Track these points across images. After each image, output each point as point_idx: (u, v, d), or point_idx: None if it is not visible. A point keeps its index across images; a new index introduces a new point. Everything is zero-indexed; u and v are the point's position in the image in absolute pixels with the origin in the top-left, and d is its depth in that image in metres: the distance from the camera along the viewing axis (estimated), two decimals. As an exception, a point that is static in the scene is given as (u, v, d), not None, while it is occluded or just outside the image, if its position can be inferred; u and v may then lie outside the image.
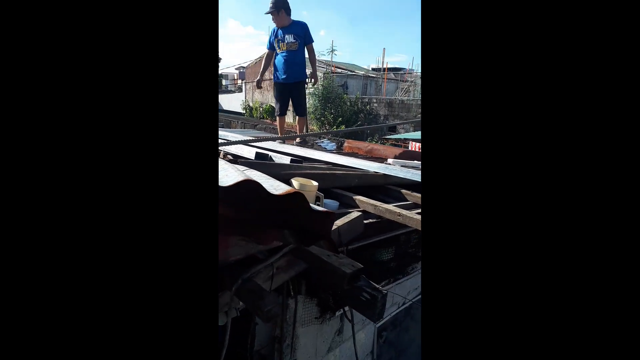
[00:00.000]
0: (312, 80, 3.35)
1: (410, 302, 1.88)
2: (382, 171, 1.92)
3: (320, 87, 12.25)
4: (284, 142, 3.10)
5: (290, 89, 3.42)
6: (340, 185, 1.65)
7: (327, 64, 15.07)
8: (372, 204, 1.43)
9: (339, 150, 3.68)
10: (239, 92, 16.10)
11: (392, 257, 1.74)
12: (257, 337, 1.31)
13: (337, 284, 0.82)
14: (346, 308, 1.33)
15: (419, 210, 1.41)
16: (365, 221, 1.38)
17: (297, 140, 3.47)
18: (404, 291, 1.81)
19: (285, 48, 3.26)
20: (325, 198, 1.53)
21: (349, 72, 15.29)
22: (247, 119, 6.40)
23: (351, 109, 12.10)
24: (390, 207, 1.38)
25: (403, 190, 1.81)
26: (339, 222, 1.18)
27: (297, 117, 3.67)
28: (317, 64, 3.28)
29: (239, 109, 13.73)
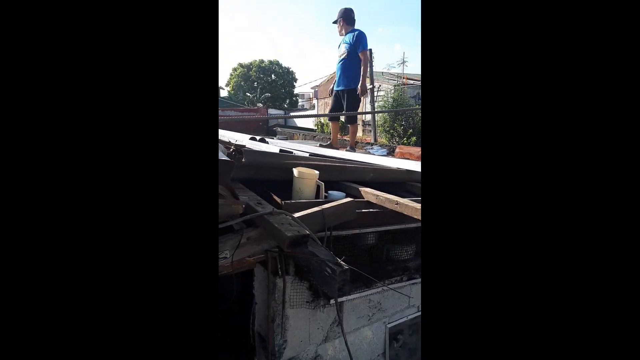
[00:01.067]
0: (359, 90, 3.31)
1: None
2: (406, 167, 1.85)
3: (390, 99, 12.12)
4: (329, 147, 3.19)
5: (341, 97, 3.51)
6: (353, 179, 1.65)
7: (399, 75, 14.86)
8: (374, 194, 1.40)
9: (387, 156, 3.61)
10: (312, 109, 16.97)
11: (411, 256, 1.65)
12: (257, 316, 1.40)
13: (280, 246, 0.85)
14: (339, 298, 1.32)
15: (413, 198, 1.33)
16: (364, 210, 1.36)
17: (348, 147, 3.53)
18: (425, 294, 1.67)
19: (339, 56, 3.39)
20: (335, 190, 1.56)
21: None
22: (309, 132, 6.73)
23: (424, 120, 11.61)
24: (390, 196, 1.34)
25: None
26: (325, 206, 1.21)
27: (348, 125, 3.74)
28: (370, 74, 3.28)
29: (311, 125, 14.43)
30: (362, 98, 3.28)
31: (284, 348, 1.28)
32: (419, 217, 1.19)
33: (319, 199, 1.41)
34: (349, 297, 1.38)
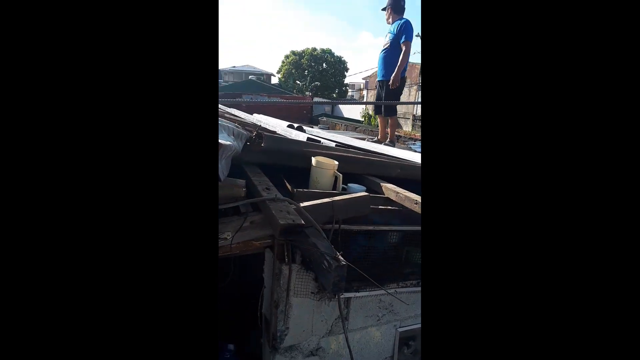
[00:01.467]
0: (392, 80, 3.08)
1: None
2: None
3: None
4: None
5: (380, 87, 3.38)
6: (377, 174, 1.58)
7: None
8: (394, 191, 1.32)
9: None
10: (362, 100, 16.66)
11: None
12: (264, 299, 1.41)
13: (274, 233, 0.83)
14: (342, 294, 1.28)
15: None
16: (381, 207, 1.29)
17: (387, 140, 3.39)
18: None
19: (383, 46, 3.25)
20: (356, 184, 1.50)
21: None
22: (354, 123, 6.58)
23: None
24: (411, 194, 1.25)
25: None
26: (336, 198, 1.16)
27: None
28: (403, 63, 3.04)
29: (358, 116, 14.22)
30: (403, 89, 3.11)
31: (286, 334, 1.28)
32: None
33: (336, 190, 1.37)
34: (357, 295, 1.33)
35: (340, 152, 1.58)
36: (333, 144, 1.83)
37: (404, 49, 2.95)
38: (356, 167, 1.54)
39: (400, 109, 14.90)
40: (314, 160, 1.37)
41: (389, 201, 1.33)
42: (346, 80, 23.08)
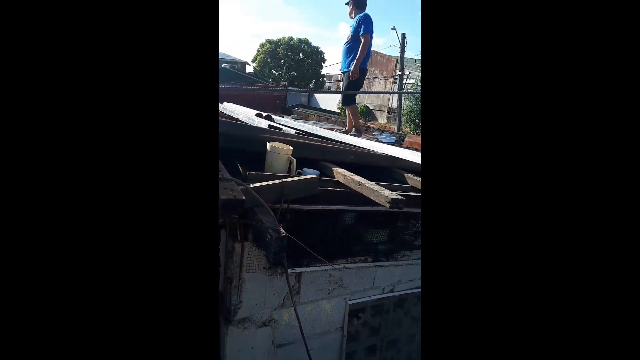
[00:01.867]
0: (351, 72, 3.18)
1: (402, 294, 1.76)
2: (396, 155, 1.84)
3: (419, 88, 11.76)
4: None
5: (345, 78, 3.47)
6: (332, 159, 1.68)
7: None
8: (343, 174, 1.43)
9: (393, 144, 3.56)
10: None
11: (382, 239, 1.68)
12: (220, 276, 1.49)
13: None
14: (291, 269, 1.38)
15: (382, 184, 1.34)
16: (329, 188, 1.39)
17: (352, 130, 3.49)
18: (392, 278, 1.71)
19: (346, 39, 3.35)
20: (309, 168, 1.59)
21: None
22: (329, 114, 6.67)
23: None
24: (355, 177, 1.36)
25: (406, 174, 1.71)
26: (286, 179, 1.25)
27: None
28: (362, 56, 3.06)
29: (334, 108, 14.28)
30: (363, 80, 3.20)
31: (239, 308, 1.37)
32: (384, 203, 1.21)
33: (290, 174, 1.45)
34: (308, 269, 1.44)
35: (297, 139, 1.66)
36: (293, 132, 1.91)
37: (362, 41, 3.02)
38: (312, 153, 1.62)
39: (376, 101, 15.10)
40: (268, 145, 1.45)
41: (338, 184, 1.44)
42: (323, 71, 23.02)
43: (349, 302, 1.61)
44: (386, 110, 14.48)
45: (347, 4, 3.26)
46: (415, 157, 1.78)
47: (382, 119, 14.40)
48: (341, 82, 3.66)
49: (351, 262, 1.53)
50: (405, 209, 1.56)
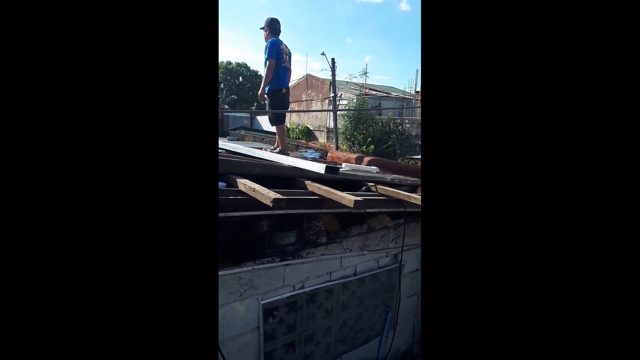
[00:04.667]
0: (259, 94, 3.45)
1: (313, 289, 1.95)
2: (298, 166, 2.07)
3: (349, 105, 12.66)
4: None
5: None
6: (239, 172, 1.85)
7: (362, 85, 15.46)
8: (244, 184, 1.61)
9: (317, 159, 3.85)
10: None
11: (289, 241, 1.87)
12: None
13: None
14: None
15: (275, 190, 1.55)
16: (231, 197, 1.56)
17: (278, 148, 3.68)
18: (301, 275, 1.89)
19: None
20: (220, 181, 1.74)
21: (384, 94, 15.48)
22: (266, 135, 6.90)
23: (383, 129, 12.21)
24: (253, 184, 1.55)
25: (306, 182, 1.94)
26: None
27: None
28: (267, 80, 3.27)
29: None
30: (280, 101, 3.37)
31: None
32: (268, 203, 1.40)
33: (196, 186, 1.59)
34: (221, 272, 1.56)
35: (205, 155, 1.81)
36: (205, 150, 2.05)
37: (267, 65, 3.20)
38: (220, 167, 1.78)
39: (315, 122, 15.77)
40: (173, 161, 1.58)
41: (240, 193, 1.61)
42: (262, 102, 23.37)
43: (262, 302, 1.76)
44: (325, 130, 15.19)
45: (262, 28, 3.49)
46: (317, 167, 2.03)
47: (322, 139, 15.05)
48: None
49: (259, 264, 1.69)
50: (306, 211, 1.78)
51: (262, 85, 3.32)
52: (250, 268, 1.66)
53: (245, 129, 12.67)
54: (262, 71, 3.31)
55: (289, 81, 3.50)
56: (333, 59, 12.46)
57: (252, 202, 1.59)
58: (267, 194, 1.37)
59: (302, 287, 1.91)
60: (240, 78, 22.40)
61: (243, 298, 1.69)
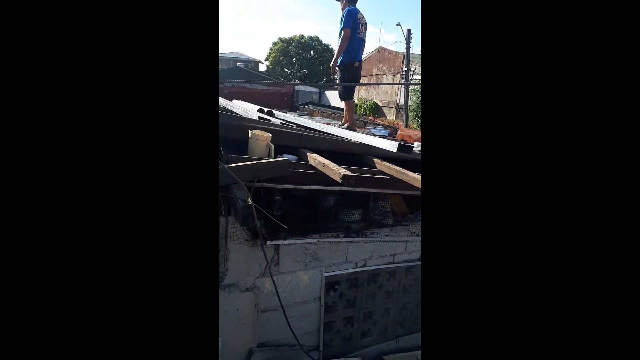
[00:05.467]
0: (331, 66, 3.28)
1: (375, 269, 1.93)
2: (368, 143, 2.02)
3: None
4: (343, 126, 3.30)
5: None
6: (309, 146, 1.87)
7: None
8: (314, 158, 1.62)
9: (385, 137, 3.70)
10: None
11: (358, 219, 1.86)
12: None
13: None
14: (269, 241, 1.58)
15: (344, 167, 1.52)
16: (301, 170, 1.59)
17: (345, 124, 3.60)
18: (364, 253, 1.88)
19: None
20: (289, 154, 1.79)
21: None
22: (334, 111, 6.83)
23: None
24: (322, 160, 1.55)
25: (375, 160, 1.88)
26: (260, 161, 1.45)
27: None
28: (340, 51, 3.09)
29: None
30: (352, 74, 3.21)
31: (226, 275, 1.58)
32: (337, 179, 1.39)
33: (269, 158, 1.66)
34: (285, 242, 1.64)
35: (278, 128, 1.86)
36: (279, 122, 2.11)
37: (342, 35, 3.05)
38: (290, 141, 1.82)
39: (384, 98, 15.14)
40: (250, 132, 1.65)
41: (311, 167, 1.63)
42: (332, 75, 23.11)
43: (325, 275, 1.80)
44: (394, 106, 14.51)
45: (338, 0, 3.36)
46: (388, 145, 1.94)
47: (390, 115, 14.43)
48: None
49: (324, 237, 1.72)
50: (373, 190, 1.74)
51: (334, 57, 3.21)
52: (315, 240, 1.70)
53: (313, 104, 12.79)
54: (337, 41, 3.19)
55: (362, 53, 3.34)
56: (409, 30, 11.62)
57: (321, 177, 1.60)
58: (336, 170, 1.36)
59: (365, 266, 1.91)
60: (312, 52, 22.42)
61: (307, 268, 1.76)
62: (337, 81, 3.49)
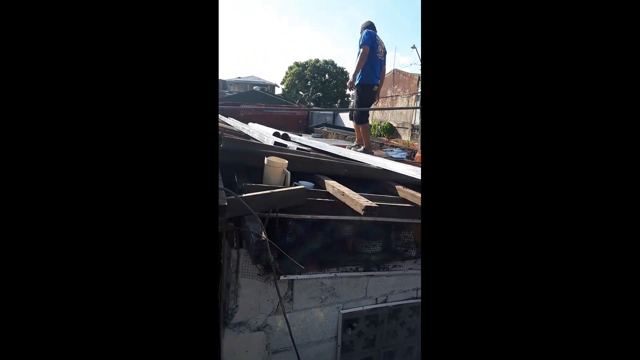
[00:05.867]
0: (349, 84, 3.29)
1: (397, 304, 1.78)
2: (389, 168, 1.92)
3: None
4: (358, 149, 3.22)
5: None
6: (326, 172, 1.78)
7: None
8: (332, 186, 1.52)
9: (404, 159, 3.59)
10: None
11: (378, 250, 1.73)
12: (222, 282, 1.60)
13: None
14: (283, 276, 1.47)
15: (365, 195, 1.42)
16: (319, 199, 1.49)
17: (362, 147, 3.51)
18: (385, 288, 1.74)
19: None
20: (306, 181, 1.70)
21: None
22: (348, 132, 6.79)
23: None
24: (341, 187, 1.45)
25: (397, 186, 1.77)
26: (276, 190, 1.37)
27: None
28: (359, 67, 3.05)
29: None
30: (368, 97, 3.16)
31: (235, 312, 1.47)
32: (359, 211, 1.29)
33: (284, 186, 1.57)
34: (299, 277, 1.52)
35: (295, 154, 1.79)
36: (295, 147, 2.05)
37: (360, 52, 3.01)
38: (307, 167, 1.74)
39: (399, 119, 15.12)
40: (265, 159, 1.58)
41: (328, 195, 1.53)
42: (348, 91, 23.46)
43: (342, 312, 1.66)
44: (409, 127, 14.44)
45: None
46: (409, 170, 1.83)
47: (405, 136, 14.34)
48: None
49: (342, 271, 1.60)
50: (396, 220, 1.62)
51: (353, 72, 3.15)
52: (333, 275, 1.58)
53: (327, 125, 12.89)
54: (354, 61, 3.16)
55: (381, 78, 3.29)
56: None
57: (339, 205, 1.50)
58: (357, 200, 1.25)
59: (385, 301, 1.75)
60: (327, 75, 22.90)
61: (324, 305, 1.62)
62: (352, 101, 3.44)
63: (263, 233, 1.12)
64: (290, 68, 23.17)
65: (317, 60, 22.98)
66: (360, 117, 3.34)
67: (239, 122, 4.62)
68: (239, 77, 25.80)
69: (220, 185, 1.29)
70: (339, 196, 1.42)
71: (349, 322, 1.71)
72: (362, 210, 1.19)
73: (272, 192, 1.34)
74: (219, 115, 6.25)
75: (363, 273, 1.64)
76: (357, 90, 3.22)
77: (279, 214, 1.35)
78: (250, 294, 1.48)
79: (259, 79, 25.20)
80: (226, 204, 1.07)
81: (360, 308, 1.70)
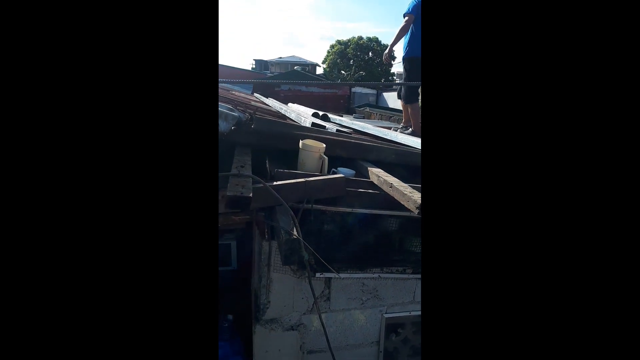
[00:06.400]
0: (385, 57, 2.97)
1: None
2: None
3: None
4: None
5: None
6: (372, 159, 1.56)
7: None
8: (376, 175, 1.31)
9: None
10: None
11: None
12: (254, 274, 1.49)
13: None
14: (320, 274, 1.30)
15: (416, 187, 1.18)
16: (361, 190, 1.29)
17: (410, 129, 3.19)
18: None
19: None
20: (346, 168, 1.50)
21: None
22: (393, 113, 6.32)
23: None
24: (388, 178, 1.23)
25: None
26: (311, 178, 1.19)
27: None
28: (398, 37, 2.71)
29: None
30: (414, 69, 2.74)
31: (267, 307, 1.35)
32: (412, 209, 1.06)
33: (321, 172, 1.39)
34: (338, 276, 1.35)
35: (333, 136, 1.58)
36: (334, 129, 1.84)
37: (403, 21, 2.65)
38: (348, 152, 1.53)
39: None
40: (301, 143, 1.40)
41: (372, 185, 1.32)
42: (393, 69, 22.30)
43: (386, 316, 1.48)
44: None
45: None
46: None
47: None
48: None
49: (387, 272, 1.40)
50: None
51: (390, 43, 2.80)
52: (376, 275, 1.39)
53: (370, 105, 12.36)
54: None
55: None
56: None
57: (385, 197, 1.28)
58: (410, 195, 1.03)
59: (436, 308, 1.53)
60: (370, 53, 21.89)
61: (365, 307, 1.45)
62: (401, 79, 3.07)
63: (294, 230, 0.96)
64: (332, 46, 22.48)
65: (361, 38, 22.00)
66: (409, 96, 2.93)
67: (277, 102, 4.50)
68: (280, 57, 25.74)
69: (246, 171, 1.14)
70: (385, 188, 1.20)
71: (393, 327, 1.52)
72: (416, 208, 0.97)
73: (307, 180, 1.16)
74: (258, 95, 6.19)
75: (411, 275, 1.43)
76: (404, 65, 2.86)
77: (314, 206, 1.17)
78: (283, 290, 1.35)
79: (300, 58, 24.94)
80: (251, 195, 0.91)
81: (407, 313, 1.50)
